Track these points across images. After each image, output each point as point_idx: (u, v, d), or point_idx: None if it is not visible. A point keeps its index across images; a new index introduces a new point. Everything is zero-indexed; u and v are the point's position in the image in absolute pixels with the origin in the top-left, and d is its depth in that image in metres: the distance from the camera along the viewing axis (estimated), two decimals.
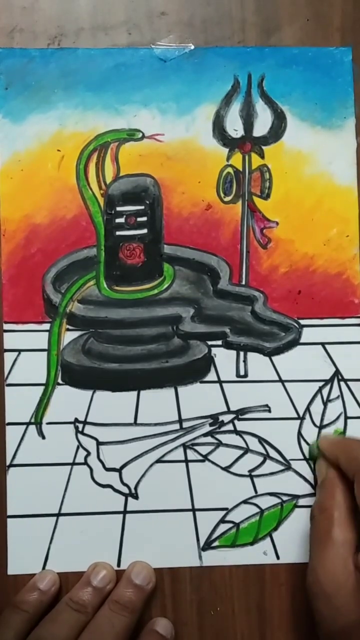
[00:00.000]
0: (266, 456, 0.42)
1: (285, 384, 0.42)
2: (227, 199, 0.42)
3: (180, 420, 0.42)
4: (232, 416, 0.42)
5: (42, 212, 0.42)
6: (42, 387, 0.41)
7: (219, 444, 0.42)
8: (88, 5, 0.42)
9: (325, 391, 0.42)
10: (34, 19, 0.42)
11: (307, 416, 0.42)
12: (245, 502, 0.42)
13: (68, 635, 0.36)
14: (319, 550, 0.36)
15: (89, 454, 0.41)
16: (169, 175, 0.42)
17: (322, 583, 0.35)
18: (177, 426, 0.42)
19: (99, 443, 0.41)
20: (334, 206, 0.43)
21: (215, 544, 0.41)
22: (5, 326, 0.41)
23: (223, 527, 0.41)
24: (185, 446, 0.42)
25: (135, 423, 0.42)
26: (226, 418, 0.42)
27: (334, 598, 0.34)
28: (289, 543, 0.41)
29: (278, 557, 0.41)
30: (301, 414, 0.42)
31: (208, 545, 0.41)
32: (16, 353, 0.41)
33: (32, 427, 0.41)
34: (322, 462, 0.40)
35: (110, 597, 0.38)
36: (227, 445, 0.42)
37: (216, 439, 0.42)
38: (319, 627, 0.35)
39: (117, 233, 0.42)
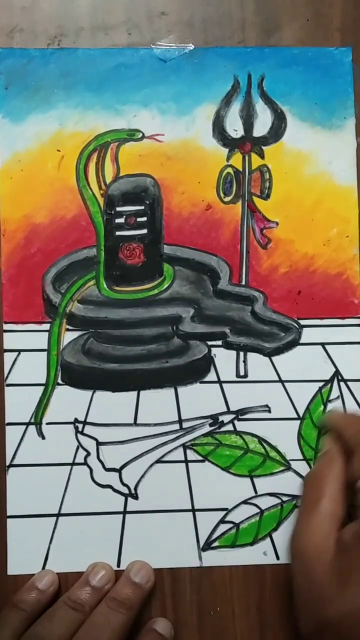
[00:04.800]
0: (266, 456, 0.42)
1: (285, 384, 0.42)
2: (227, 199, 0.42)
3: (180, 421, 0.42)
4: (232, 416, 0.42)
5: (42, 212, 0.42)
6: (42, 387, 0.41)
7: (219, 444, 0.42)
8: (88, 5, 0.42)
9: (325, 391, 0.42)
10: (34, 19, 0.42)
11: (307, 416, 0.42)
12: (245, 502, 0.42)
13: (64, 632, 0.36)
14: (306, 518, 0.37)
15: (88, 454, 0.41)
16: (169, 176, 0.42)
17: (303, 551, 0.36)
18: (177, 426, 0.42)
19: (98, 443, 0.41)
20: (334, 206, 0.43)
21: (215, 544, 0.41)
22: (5, 326, 0.41)
23: (223, 528, 0.41)
24: (185, 446, 0.42)
25: (135, 423, 0.42)
26: (226, 418, 0.42)
27: (312, 567, 0.35)
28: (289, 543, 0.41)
29: (278, 558, 0.41)
30: (301, 414, 0.42)
31: (208, 546, 0.41)
32: (16, 353, 0.41)
33: (32, 427, 0.41)
34: (327, 435, 0.41)
35: (108, 594, 0.39)
36: (227, 446, 0.42)
37: (216, 439, 0.42)
38: (295, 593, 0.36)
39: (117, 233, 0.42)
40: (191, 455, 0.42)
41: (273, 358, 0.42)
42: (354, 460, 0.37)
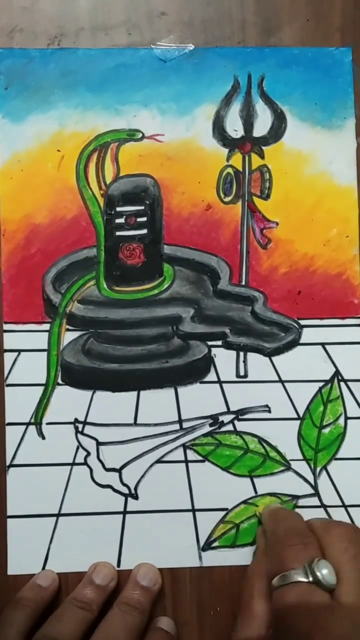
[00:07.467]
0: (266, 456, 0.42)
1: (285, 384, 0.42)
2: (227, 199, 0.42)
3: (180, 421, 0.42)
4: (232, 416, 0.42)
5: (42, 212, 0.42)
6: (42, 388, 0.41)
7: (219, 444, 0.42)
8: (88, 5, 0.42)
9: (325, 391, 0.42)
10: (34, 19, 0.42)
11: (307, 416, 0.42)
12: (245, 502, 0.42)
13: (74, 631, 0.36)
14: (240, 618, 0.37)
15: (88, 454, 0.41)
16: (169, 176, 0.42)
17: None
18: (177, 426, 0.42)
19: (98, 443, 0.41)
20: (334, 206, 0.43)
21: (215, 544, 0.41)
22: (5, 326, 0.41)
23: (223, 528, 0.41)
24: (185, 446, 0.42)
25: (135, 423, 0.42)
26: (226, 418, 0.42)
27: None
28: None
29: None
30: (301, 414, 0.42)
31: (208, 546, 0.41)
32: (16, 353, 0.41)
33: (32, 427, 0.41)
34: (259, 530, 0.41)
35: (119, 599, 0.39)
36: (227, 446, 0.42)
37: (216, 439, 0.42)
38: None
39: (117, 233, 0.42)
40: (191, 455, 0.42)
41: (273, 358, 0.42)
42: (269, 559, 0.37)
